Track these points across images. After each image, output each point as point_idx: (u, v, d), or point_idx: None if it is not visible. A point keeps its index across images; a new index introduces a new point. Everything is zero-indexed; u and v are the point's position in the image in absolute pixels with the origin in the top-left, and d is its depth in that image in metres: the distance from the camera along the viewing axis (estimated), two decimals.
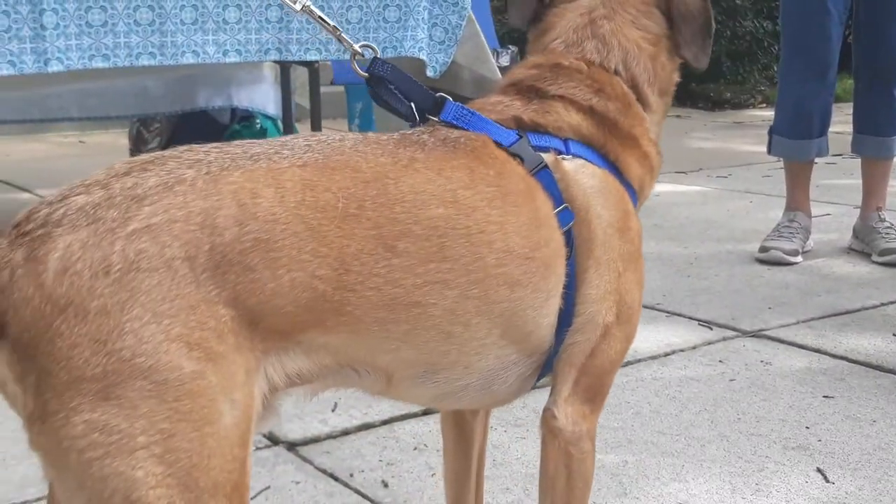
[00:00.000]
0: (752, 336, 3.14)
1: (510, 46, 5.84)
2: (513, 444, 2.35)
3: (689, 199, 5.38)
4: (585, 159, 1.46)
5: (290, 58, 3.45)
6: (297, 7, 1.61)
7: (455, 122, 1.44)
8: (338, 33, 1.58)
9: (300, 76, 4.79)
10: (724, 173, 6.24)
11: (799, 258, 4.02)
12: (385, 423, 2.47)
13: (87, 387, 1.09)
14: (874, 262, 4.00)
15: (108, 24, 3.11)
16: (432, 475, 2.19)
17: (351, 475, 2.20)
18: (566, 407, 1.44)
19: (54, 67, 3.05)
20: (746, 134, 8.08)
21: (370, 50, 1.54)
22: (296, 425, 2.44)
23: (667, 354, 2.96)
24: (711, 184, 5.91)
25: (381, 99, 1.52)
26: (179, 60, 3.23)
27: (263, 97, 5.01)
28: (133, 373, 1.09)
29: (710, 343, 3.07)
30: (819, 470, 2.23)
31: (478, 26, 3.96)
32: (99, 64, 3.13)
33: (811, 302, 3.48)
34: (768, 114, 6.07)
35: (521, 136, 1.44)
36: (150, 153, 1.25)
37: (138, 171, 1.19)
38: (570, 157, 1.46)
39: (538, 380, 1.48)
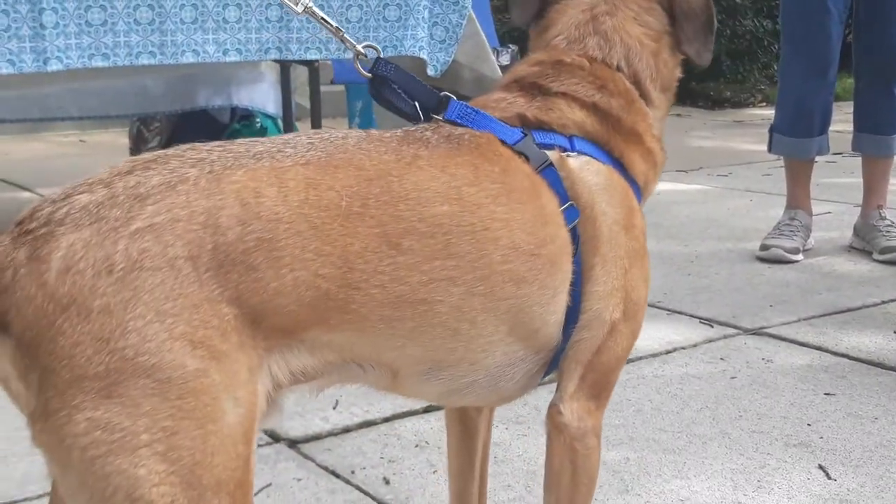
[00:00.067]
0: (754, 334, 3.14)
1: (510, 45, 5.84)
2: (514, 441, 2.35)
3: (690, 198, 5.38)
4: (590, 156, 1.46)
5: (290, 57, 3.45)
6: (299, 9, 1.61)
7: (459, 121, 1.43)
8: (341, 34, 1.58)
9: (300, 75, 4.79)
10: (725, 172, 6.24)
11: (800, 256, 4.03)
12: (386, 420, 2.47)
13: (89, 385, 1.09)
14: (875, 261, 4.00)
15: (107, 23, 3.11)
16: (434, 472, 2.19)
17: (352, 472, 2.20)
18: (572, 403, 1.44)
19: (54, 66, 3.05)
20: (747, 132, 8.09)
21: (373, 50, 1.54)
22: (297, 423, 2.44)
23: (668, 352, 2.96)
24: (712, 182, 5.91)
25: (383, 99, 1.52)
26: (179, 59, 3.23)
27: (263, 96, 5.01)
28: (136, 371, 1.09)
29: (711, 341, 3.07)
30: (821, 467, 2.23)
31: (478, 25, 3.96)
32: (99, 63, 3.13)
33: (812, 300, 3.49)
34: (768, 112, 6.07)
35: (525, 134, 1.44)
36: (151, 152, 1.25)
37: (141, 169, 1.19)
38: (574, 154, 1.46)
39: (544, 377, 1.48)
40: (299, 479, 2.17)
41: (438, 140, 1.38)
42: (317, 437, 2.38)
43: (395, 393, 1.43)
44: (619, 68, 1.55)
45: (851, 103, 4.27)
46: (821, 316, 3.31)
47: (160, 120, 5.12)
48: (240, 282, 1.15)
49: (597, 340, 1.44)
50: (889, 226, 4.06)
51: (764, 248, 4.03)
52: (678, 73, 1.64)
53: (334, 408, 2.53)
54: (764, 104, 10.08)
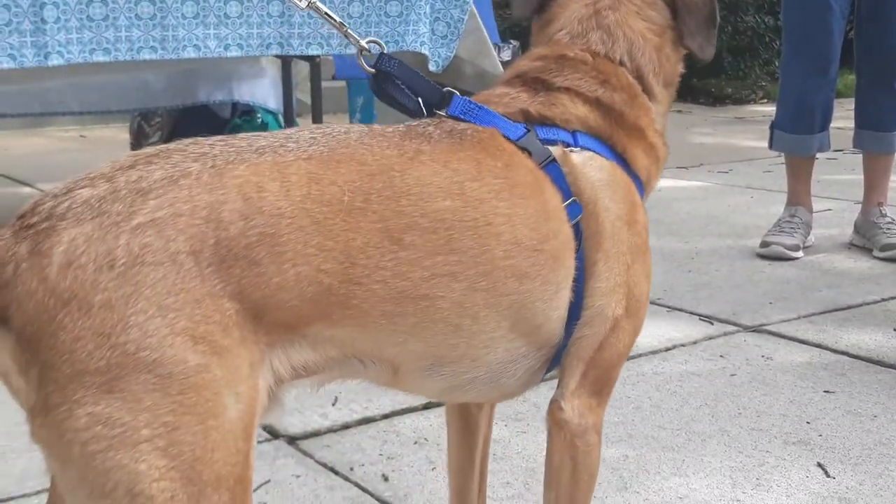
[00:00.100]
0: (753, 331, 3.14)
1: (512, 41, 5.84)
2: (513, 438, 2.35)
3: (690, 195, 5.38)
4: (593, 151, 1.46)
5: (291, 52, 3.45)
6: (303, 4, 1.60)
7: (462, 117, 1.43)
8: (344, 29, 1.58)
9: (301, 71, 4.79)
10: (725, 168, 6.24)
11: (800, 253, 4.02)
12: (385, 417, 2.47)
13: (90, 380, 1.08)
14: (875, 258, 4.00)
15: (109, 18, 3.11)
16: (433, 469, 2.19)
17: (351, 469, 2.20)
18: (573, 399, 1.44)
19: (55, 61, 3.05)
20: (747, 129, 8.09)
21: (376, 45, 1.53)
22: (296, 419, 2.44)
23: (668, 349, 2.96)
24: (712, 179, 5.90)
25: (385, 95, 1.52)
26: (181, 55, 3.23)
27: (265, 92, 5.01)
28: (137, 366, 1.09)
29: (710, 338, 3.07)
30: (820, 465, 2.23)
31: (480, 20, 3.96)
32: (100, 58, 3.13)
33: (812, 297, 3.49)
34: (769, 109, 6.07)
35: (528, 130, 1.44)
36: (153, 147, 1.24)
37: (143, 164, 1.19)
38: (578, 149, 1.45)
39: (546, 373, 1.48)
40: (298, 476, 2.17)
41: (441, 135, 1.37)
42: (316, 434, 2.38)
43: (396, 389, 1.43)
44: (622, 63, 1.54)
45: (853, 100, 4.27)
46: (821, 313, 3.31)
47: (161, 115, 5.12)
48: (242, 277, 1.15)
49: (599, 337, 1.44)
50: (889, 223, 4.06)
51: (764, 244, 4.03)
52: (681, 68, 1.64)
53: (333, 404, 2.53)
54: (765, 101, 10.07)
